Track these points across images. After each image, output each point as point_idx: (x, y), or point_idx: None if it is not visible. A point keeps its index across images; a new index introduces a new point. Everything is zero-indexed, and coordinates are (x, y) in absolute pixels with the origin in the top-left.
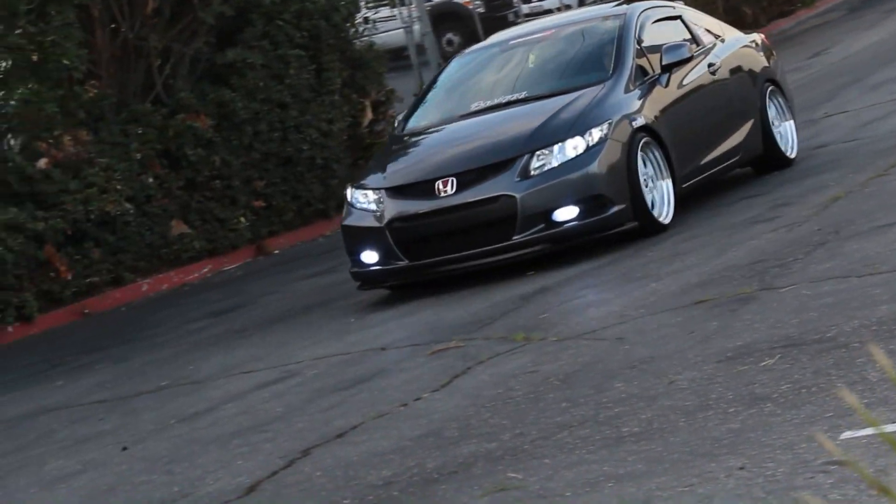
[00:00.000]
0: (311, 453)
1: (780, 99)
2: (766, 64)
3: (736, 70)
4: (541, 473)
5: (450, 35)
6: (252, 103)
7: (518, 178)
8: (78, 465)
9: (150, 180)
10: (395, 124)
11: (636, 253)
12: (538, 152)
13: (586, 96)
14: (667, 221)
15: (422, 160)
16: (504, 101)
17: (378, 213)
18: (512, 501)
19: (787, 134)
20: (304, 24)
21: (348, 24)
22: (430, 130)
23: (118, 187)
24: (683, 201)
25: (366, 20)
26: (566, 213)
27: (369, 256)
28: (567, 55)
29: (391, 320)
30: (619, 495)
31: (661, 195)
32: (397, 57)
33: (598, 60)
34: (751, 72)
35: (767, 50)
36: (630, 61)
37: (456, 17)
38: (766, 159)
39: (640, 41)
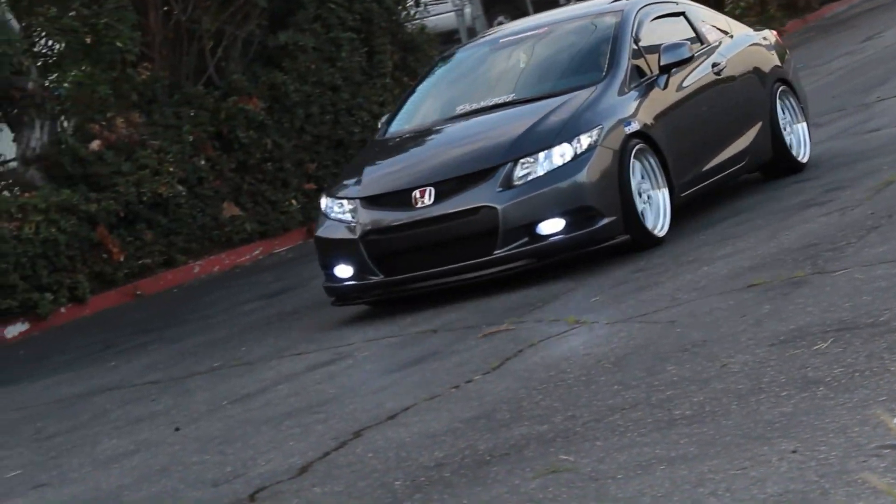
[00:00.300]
0: (362, 435)
1: (791, 100)
2: (777, 63)
3: (743, 70)
4: (592, 456)
5: (501, 18)
6: (304, 86)
7: (500, 189)
8: (131, 445)
9: (202, 162)
10: (379, 126)
11: (688, 236)
12: (522, 160)
13: (576, 99)
14: (662, 234)
15: (399, 168)
16: (491, 104)
17: (352, 225)
18: (563, 483)
19: (799, 137)
20: (355, 6)
21: (400, 7)
22: (412, 135)
23: (170, 169)
24: (735, 188)
25: (417, 3)
26: (551, 226)
27: (343, 271)
28: (560, 55)
29: (442, 303)
30: (670, 478)
31: (656, 206)
32: (448, 40)
33: (591, 61)
34: (759, 71)
35: (779, 48)
36: (625, 62)
37: (507, 0)
38: (775, 164)
39: (637, 40)
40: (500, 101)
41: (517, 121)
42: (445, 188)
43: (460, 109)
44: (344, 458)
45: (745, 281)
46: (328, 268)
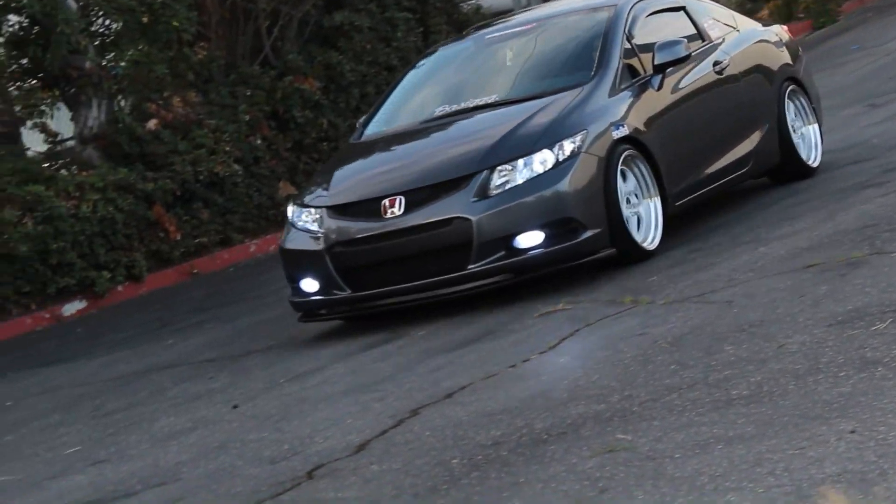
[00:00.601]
0: (420, 413)
1: (802, 100)
2: (787, 61)
3: (748, 68)
4: (650, 435)
5: None
6: (359, 66)
7: (475, 198)
8: (188, 422)
9: (259, 142)
10: (357, 127)
11: (744, 217)
12: (500, 168)
13: (561, 102)
14: (652, 247)
15: (369, 175)
16: (472, 106)
17: (318, 235)
18: (621, 462)
19: (809, 139)
20: None
21: None
22: (387, 139)
23: (227, 149)
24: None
25: None
26: (530, 239)
27: (309, 285)
28: (548, 53)
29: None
30: (728, 457)
31: (647, 216)
32: None
33: (580, 60)
34: (767, 70)
35: (790, 44)
36: (615, 61)
37: None
38: (783, 169)
39: (630, 37)
40: (481, 103)
41: (497, 125)
42: (417, 197)
43: (440, 111)
44: (401, 436)
45: (803, 261)
46: (294, 281)
